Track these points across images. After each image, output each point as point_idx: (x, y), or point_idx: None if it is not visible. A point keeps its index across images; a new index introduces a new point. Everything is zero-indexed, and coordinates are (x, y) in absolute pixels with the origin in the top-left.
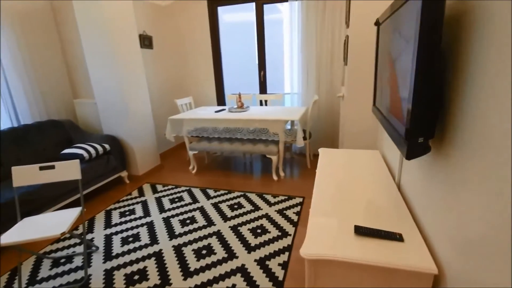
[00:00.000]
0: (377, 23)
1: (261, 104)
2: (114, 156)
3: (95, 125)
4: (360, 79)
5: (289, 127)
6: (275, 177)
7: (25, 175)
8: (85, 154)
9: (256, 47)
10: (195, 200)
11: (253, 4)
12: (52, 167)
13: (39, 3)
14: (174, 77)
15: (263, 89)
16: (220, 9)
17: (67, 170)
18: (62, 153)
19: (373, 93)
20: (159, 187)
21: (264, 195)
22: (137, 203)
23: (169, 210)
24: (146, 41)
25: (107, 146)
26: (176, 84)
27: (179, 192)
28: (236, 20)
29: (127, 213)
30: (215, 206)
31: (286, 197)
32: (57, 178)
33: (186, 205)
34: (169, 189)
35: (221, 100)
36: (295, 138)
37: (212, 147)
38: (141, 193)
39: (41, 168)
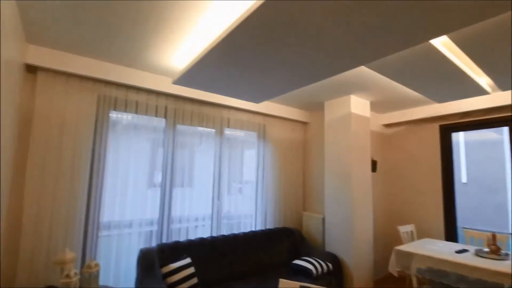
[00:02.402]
0: None
1: None
2: (334, 277)
3: (317, 239)
4: None
5: None
6: None
7: None
8: (314, 270)
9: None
10: None
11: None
12: None
13: (298, 138)
14: (394, 200)
15: None
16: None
17: None
18: (293, 263)
19: None
20: None
21: None
22: None
23: None
24: (372, 166)
25: (330, 265)
26: (396, 209)
27: None
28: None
29: None
30: None
31: None
32: None
33: None
34: None
35: (451, 234)
36: None
37: None
38: None
39: None
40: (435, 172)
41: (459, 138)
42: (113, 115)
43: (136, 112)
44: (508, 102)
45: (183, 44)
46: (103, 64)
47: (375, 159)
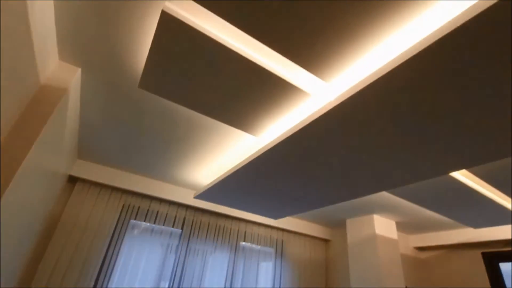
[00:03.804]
0: None
1: None
2: None
3: None
4: None
5: None
6: None
7: None
8: None
9: None
10: None
11: None
12: None
13: (319, 257)
14: None
15: None
16: None
17: None
18: None
19: None
20: None
21: None
22: None
23: None
24: None
25: None
26: None
27: None
28: None
29: None
30: None
31: None
32: None
33: None
34: None
35: None
36: None
37: None
38: None
39: None
40: None
41: (510, 268)
42: (133, 221)
43: (155, 223)
44: None
45: (211, 164)
46: (134, 177)
47: None
